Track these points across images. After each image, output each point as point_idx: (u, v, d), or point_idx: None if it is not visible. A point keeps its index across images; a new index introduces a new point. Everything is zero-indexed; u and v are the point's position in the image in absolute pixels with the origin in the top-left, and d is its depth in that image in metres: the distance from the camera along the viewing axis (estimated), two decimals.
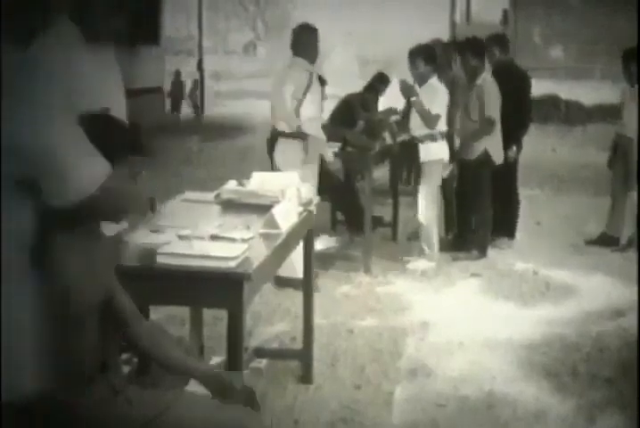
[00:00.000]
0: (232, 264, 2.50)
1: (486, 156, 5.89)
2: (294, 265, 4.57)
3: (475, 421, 3.46)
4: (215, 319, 4.23)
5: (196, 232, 2.77)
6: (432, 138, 5.62)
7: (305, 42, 5.26)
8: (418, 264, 5.72)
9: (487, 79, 5.93)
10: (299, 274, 3.97)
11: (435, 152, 5.67)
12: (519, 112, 6.22)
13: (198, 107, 21.45)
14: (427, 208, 5.67)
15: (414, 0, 30.94)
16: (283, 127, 5.18)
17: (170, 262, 2.51)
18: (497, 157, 5.99)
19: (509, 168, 6.35)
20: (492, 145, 5.93)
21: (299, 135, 5.11)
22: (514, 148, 6.31)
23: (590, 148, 12.32)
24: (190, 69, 24.26)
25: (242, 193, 3.45)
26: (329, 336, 4.36)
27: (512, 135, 6.21)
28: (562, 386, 3.82)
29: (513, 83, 6.19)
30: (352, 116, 6.79)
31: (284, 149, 5.17)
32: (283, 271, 4.72)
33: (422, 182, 5.76)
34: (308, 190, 3.58)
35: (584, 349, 4.30)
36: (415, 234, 6.06)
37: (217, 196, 3.48)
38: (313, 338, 3.79)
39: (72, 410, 1.96)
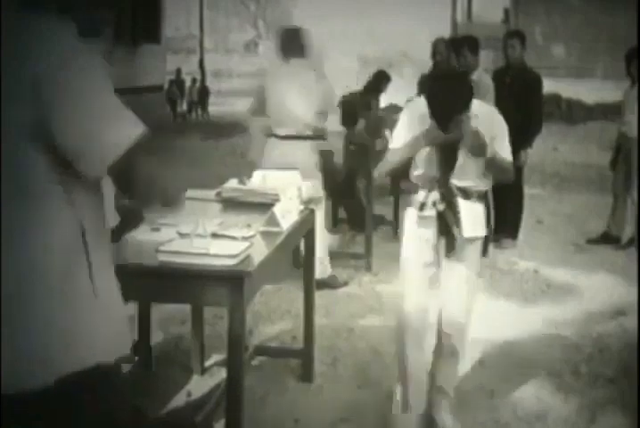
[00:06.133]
0: (232, 262, 2.49)
1: None
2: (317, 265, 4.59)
3: (476, 421, 3.45)
4: (216, 317, 4.23)
5: (197, 230, 2.76)
6: (480, 194, 3.22)
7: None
8: None
9: (482, 75, 5.95)
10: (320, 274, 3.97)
11: (482, 220, 3.26)
12: (532, 114, 6.21)
13: (198, 105, 21.45)
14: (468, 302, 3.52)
15: None
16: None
17: (171, 260, 2.50)
18: None
19: (517, 171, 6.33)
20: None
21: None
22: (528, 150, 6.30)
23: (592, 146, 12.33)
24: (191, 68, 24.26)
25: (243, 191, 3.44)
26: (330, 335, 4.34)
27: (525, 138, 6.20)
28: (563, 386, 3.81)
29: (526, 84, 6.22)
30: (353, 114, 6.78)
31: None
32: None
33: (462, 268, 3.34)
34: (310, 188, 3.57)
35: (585, 348, 4.28)
36: None
37: (218, 194, 3.47)
38: (314, 337, 3.78)
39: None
